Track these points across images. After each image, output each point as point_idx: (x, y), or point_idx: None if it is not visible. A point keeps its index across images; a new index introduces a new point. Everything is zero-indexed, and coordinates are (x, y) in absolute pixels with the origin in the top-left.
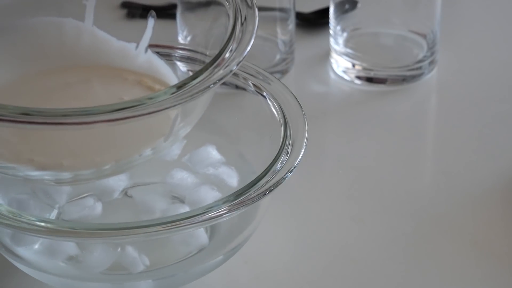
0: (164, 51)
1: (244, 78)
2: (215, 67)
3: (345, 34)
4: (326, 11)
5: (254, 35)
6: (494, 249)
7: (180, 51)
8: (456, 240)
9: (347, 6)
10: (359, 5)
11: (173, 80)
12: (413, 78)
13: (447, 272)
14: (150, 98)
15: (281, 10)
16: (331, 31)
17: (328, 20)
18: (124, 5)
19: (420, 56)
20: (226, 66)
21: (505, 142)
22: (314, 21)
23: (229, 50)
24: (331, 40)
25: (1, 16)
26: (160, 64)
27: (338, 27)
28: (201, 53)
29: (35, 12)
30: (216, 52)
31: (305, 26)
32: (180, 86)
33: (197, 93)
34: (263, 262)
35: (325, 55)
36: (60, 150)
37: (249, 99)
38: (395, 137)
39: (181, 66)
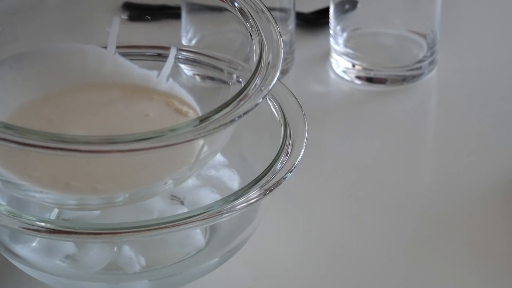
0: (166, 52)
1: (229, 73)
2: (240, 100)
3: (345, 34)
4: (326, 11)
5: (279, 69)
6: (494, 249)
7: (184, 53)
8: (456, 240)
9: (347, 6)
10: (359, 5)
11: (195, 108)
12: (413, 78)
13: (447, 272)
14: (172, 130)
15: (281, 10)
16: (331, 31)
17: (328, 20)
18: (125, 7)
19: (420, 56)
20: (251, 100)
21: (505, 142)
22: (314, 21)
23: (254, 84)
24: (331, 40)
25: (29, 41)
26: (182, 93)
27: (338, 27)
28: (210, 56)
29: (62, 38)
30: (229, 57)
31: (305, 26)
32: (203, 119)
33: (220, 126)
34: (263, 262)
35: (325, 55)
36: (94, 174)
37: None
38: (395, 137)
39: (185, 69)
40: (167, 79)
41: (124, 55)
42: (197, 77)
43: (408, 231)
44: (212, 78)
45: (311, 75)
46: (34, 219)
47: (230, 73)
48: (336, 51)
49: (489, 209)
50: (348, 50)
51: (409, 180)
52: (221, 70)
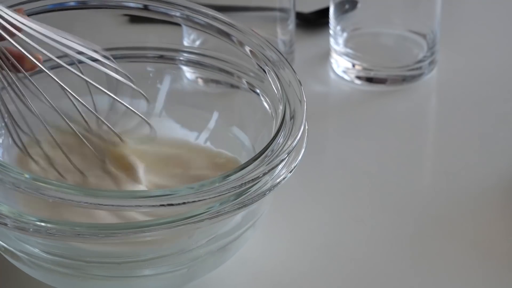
0: (169, 54)
1: (239, 77)
2: (264, 157)
3: (345, 34)
4: (326, 11)
5: (302, 126)
6: (494, 249)
7: (186, 55)
8: (456, 240)
9: (347, 6)
10: (359, 5)
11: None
12: (413, 78)
13: (447, 272)
14: (202, 185)
15: (281, 10)
16: (331, 31)
17: (328, 20)
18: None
19: (420, 56)
20: (276, 157)
21: (505, 142)
22: (314, 21)
23: (277, 141)
24: (331, 40)
25: None
26: (217, 151)
27: (338, 27)
28: (214, 58)
29: None
30: (238, 60)
31: (305, 26)
32: (226, 176)
33: (246, 184)
34: (263, 262)
35: (325, 55)
36: None
37: (249, 99)
38: (395, 137)
39: (187, 72)
40: (205, 141)
41: (126, 57)
42: (200, 80)
43: (408, 231)
44: (217, 82)
45: (311, 75)
46: (34, 219)
47: (240, 77)
48: (336, 51)
49: (490, 208)
50: (348, 50)
51: (409, 180)
52: (229, 73)
